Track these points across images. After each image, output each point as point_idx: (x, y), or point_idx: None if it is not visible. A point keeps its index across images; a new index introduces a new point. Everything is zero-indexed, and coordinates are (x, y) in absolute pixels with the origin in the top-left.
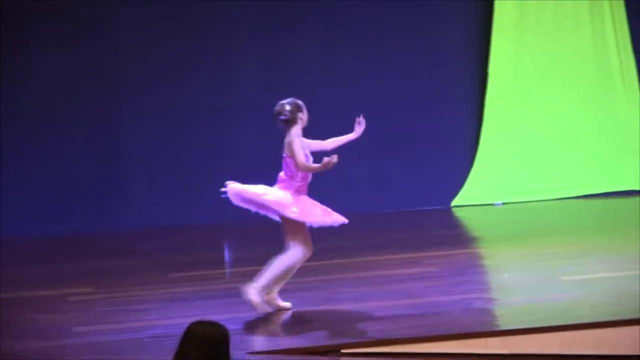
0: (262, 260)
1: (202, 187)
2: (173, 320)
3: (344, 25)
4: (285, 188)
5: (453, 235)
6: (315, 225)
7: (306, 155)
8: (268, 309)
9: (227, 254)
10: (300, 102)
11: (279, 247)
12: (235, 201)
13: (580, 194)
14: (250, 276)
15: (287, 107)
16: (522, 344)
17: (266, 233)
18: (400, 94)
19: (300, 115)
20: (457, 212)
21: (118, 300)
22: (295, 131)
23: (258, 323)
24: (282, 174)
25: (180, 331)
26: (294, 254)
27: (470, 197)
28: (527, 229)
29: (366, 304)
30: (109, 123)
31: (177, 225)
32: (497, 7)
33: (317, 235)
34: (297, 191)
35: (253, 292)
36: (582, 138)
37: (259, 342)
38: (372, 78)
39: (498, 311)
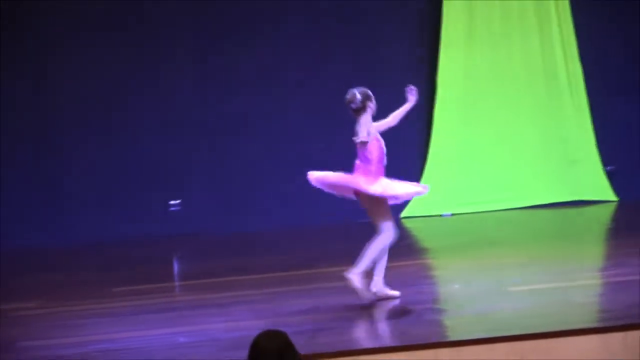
0: (210, 273)
1: (145, 202)
2: (116, 334)
3: (287, 38)
4: (363, 174)
5: (402, 246)
6: (400, 199)
7: (378, 140)
8: (372, 297)
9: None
10: (369, 92)
11: (227, 261)
12: (319, 186)
13: (528, 205)
14: (198, 289)
15: (358, 96)
16: (471, 355)
17: (214, 247)
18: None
19: (369, 103)
20: (407, 223)
21: (62, 315)
22: (365, 119)
23: (204, 336)
24: (357, 162)
25: (123, 345)
26: (386, 235)
27: (419, 208)
28: (476, 240)
29: (315, 316)
30: (52, 140)
31: (121, 240)
32: (445, 18)
33: (267, 249)
34: (374, 174)
35: (356, 278)
36: (529, 149)
37: (206, 355)
38: (316, 90)
39: (447, 322)
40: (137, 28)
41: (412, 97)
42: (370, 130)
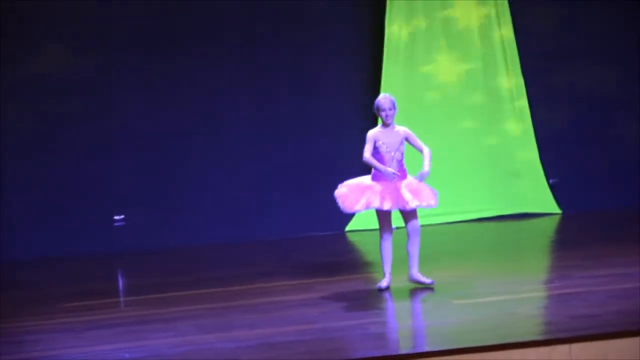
0: (155, 289)
1: (89, 217)
2: (60, 350)
3: (227, 55)
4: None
5: (347, 260)
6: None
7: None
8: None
9: None
10: (377, 101)
11: (172, 276)
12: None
13: (472, 218)
14: (143, 305)
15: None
16: None
17: (158, 262)
18: (297, 119)
19: (380, 113)
20: (351, 237)
21: (6, 331)
22: (376, 128)
23: (150, 351)
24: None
25: None
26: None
27: (364, 221)
28: (420, 253)
29: (260, 331)
30: None
31: (64, 256)
32: (388, 33)
33: (212, 263)
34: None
35: (419, 274)
36: (471, 162)
37: None
38: (264, 109)
39: (392, 336)
40: (82, 39)
41: (422, 174)
42: (372, 137)
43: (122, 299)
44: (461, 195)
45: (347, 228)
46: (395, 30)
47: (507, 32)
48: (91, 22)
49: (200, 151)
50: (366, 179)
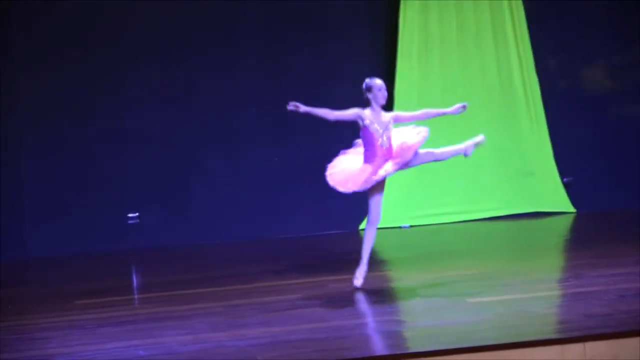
0: (169, 286)
1: (104, 215)
2: (73, 347)
3: (243, 51)
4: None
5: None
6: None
7: (366, 127)
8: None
9: None
10: (370, 82)
11: (187, 273)
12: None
13: (486, 217)
14: (157, 302)
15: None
16: None
17: (173, 259)
18: (307, 119)
19: (368, 95)
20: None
21: (20, 328)
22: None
23: (163, 349)
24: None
25: (82, 358)
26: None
27: None
28: (434, 252)
29: (273, 329)
30: (8, 154)
31: (79, 254)
32: (402, 30)
33: (226, 261)
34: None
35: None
36: (487, 161)
37: None
38: (279, 102)
39: (406, 334)
40: (98, 40)
41: (455, 109)
42: (358, 114)
43: (135, 297)
44: (476, 193)
45: (361, 226)
46: (409, 27)
47: (521, 30)
48: (108, 21)
49: (216, 150)
50: (357, 160)
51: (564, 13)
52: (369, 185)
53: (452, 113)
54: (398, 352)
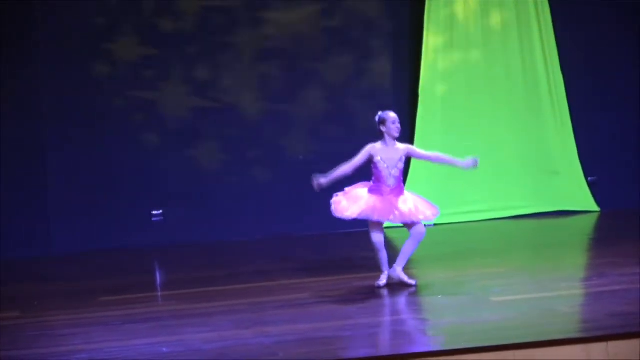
0: (193, 283)
1: (129, 212)
2: (98, 344)
3: (267, 52)
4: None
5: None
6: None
7: (376, 163)
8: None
9: None
10: (383, 115)
11: (211, 271)
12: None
13: (511, 215)
14: (181, 299)
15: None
16: None
17: (197, 256)
18: (332, 116)
19: (381, 127)
20: (389, 234)
21: (45, 324)
22: (376, 143)
23: (187, 346)
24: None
25: (106, 355)
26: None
27: None
28: (458, 250)
29: (296, 326)
30: (33, 150)
31: (104, 250)
32: (427, 27)
33: (251, 258)
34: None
35: (402, 273)
36: (511, 160)
37: None
38: (307, 102)
39: (430, 332)
40: (132, 37)
41: (468, 163)
42: (370, 152)
43: (159, 294)
44: (500, 192)
45: (385, 224)
46: (434, 26)
47: (546, 30)
48: (138, 18)
49: (239, 149)
50: (364, 192)
51: (590, 12)
52: (383, 220)
53: (462, 167)
54: (422, 350)
